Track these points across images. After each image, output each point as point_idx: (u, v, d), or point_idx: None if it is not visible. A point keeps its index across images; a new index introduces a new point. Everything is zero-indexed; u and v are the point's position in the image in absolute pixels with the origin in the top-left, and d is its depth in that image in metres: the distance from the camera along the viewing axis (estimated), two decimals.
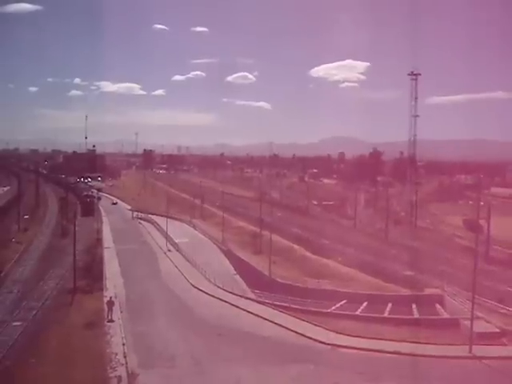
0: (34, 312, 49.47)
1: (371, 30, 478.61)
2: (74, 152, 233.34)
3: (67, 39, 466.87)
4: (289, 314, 47.63)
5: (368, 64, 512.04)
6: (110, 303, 48.82)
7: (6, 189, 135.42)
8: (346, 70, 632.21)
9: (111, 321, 46.27)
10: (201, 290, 58.10)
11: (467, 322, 38.60)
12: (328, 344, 39.90)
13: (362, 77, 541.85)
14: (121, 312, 49.15)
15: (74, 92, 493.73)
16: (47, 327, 44.93)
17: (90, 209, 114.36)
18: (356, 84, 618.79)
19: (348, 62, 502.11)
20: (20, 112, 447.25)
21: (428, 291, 53.68)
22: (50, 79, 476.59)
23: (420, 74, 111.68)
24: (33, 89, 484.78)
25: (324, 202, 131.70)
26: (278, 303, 51.25)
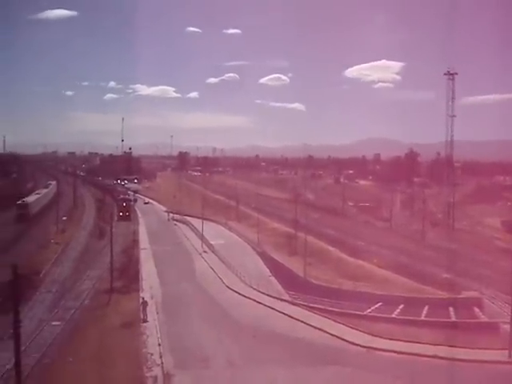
0: (72, 312, 50.33)
1: (406, 29, 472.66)
2: (111, 154, 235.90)
3: (102, 43, 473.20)
4: (324, 316, 47.44)
5: (403, 64, 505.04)
6: (144, 304, 49.35)
7: (45, 191, 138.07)
8: (380, 71, 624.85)
9: (145, 321, 46.74)
10: (236, 292, 58.21)
11: (507, 326, 37.86)
12: (363, 347, 39.62)
13: (397, 77, 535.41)
14: (157, 313, 49.59)
15: (109, 95, 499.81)
16: (85, 327, 45.69)
17: (126, 213, 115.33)
18: (391, 84, 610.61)
19: (382, 62, 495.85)
20: (57, 115, 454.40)
21: (466, 294, 52.81)
22: (85, 83, 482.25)
23: (457, 74, 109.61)
24: (69, 92, 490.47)
25: (360, 204, 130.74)
26: (312, 305, 51.10)
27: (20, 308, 27.69)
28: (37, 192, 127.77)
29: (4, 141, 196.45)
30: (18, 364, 26.90)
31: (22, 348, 30.69)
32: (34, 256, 72.05)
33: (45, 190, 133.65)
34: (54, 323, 46.63)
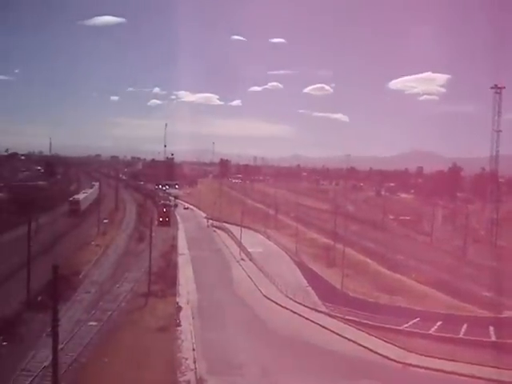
0: (110, 313, 50.97)
1: (451, 41, 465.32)
2: (153, 160, 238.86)
3: (148, 50, 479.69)
4: (359, 329, 47.09)
5: (448, 76, 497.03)
6: (178, 308, 49.89)
7: (90, 191, 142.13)
8: (425, 83, 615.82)
9: (178, 325, 47.14)
10: (272, 301, 58.22)
11: None
12: (398, 362, 39.16)
13: (442, 89, 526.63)
14: (192, 318, 49.93)
15: (153, 101, 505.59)
16: (121, 328, 46.26)
17: (166, 218, 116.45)
18: (436, 97, 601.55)
19: (427, 74, 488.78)
20: (102, 120, 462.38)
21: (507, 314, 51.63)
22: (130, 89, 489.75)
23: (504, 88, 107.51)
24: (114, 98, 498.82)
25: (400, 217, 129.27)
26: (348, 317, 50.75)
27: (59, 307, 28.21)
28: (84, 191, 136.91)
29: (50, 143, 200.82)
30: (55, 362, 27.41)
31: (60, 346, 31.27)
32: (74, 257, 73.35)
33: (90, 190, 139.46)
34: (91, 323, 47.36)
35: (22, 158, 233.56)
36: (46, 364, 35.69)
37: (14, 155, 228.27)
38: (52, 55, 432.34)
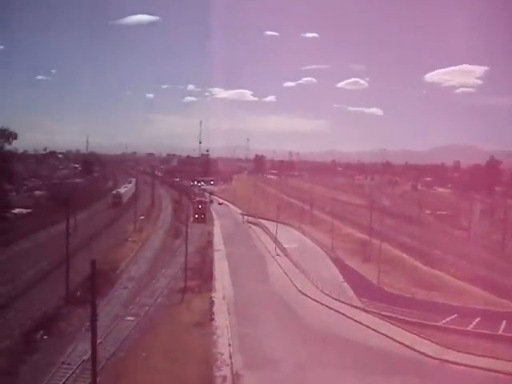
0: (147, 308, 51.68)
1: (488, 32, 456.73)
2: (188, 156, 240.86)
3: (182, 47, 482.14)
4: (396, 325, 46.77)
5: (486, 68, 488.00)
6: (211, 303, 50.41)
7: (129, 185, 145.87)
8: (461, 75, 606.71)
9: (212, 320, 47.55)
10: (308, 296, 58.22)
11: None
12: (435, 358, 38.81)
13: (479, 82, 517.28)
14: (228, 313, 50.26)
15: (188, 98, 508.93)
16: (158, 323, 46.85)
17: (201, 215, 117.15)
18: (472, 89, 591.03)
19: (464, 66, 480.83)
20: (138, 117, 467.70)
21: None
22: (165, 86, 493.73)
23: None
24: (149, 95, 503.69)
25: (437, 212, 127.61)
26: (385, 313, 50.45)
27: (97, 302, 28.73)
28: (124, 186, 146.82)
29: (87, 141, 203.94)
30: (94, 356, 27.96)
31: (98, 341, 31.85)
32: (111, 253, 74.43)
33: (129, 185, 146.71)
34: (128, 318, 48.08)
35: (60, 156, 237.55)
36: (85, 358, 36.43)
37: (52, 154, 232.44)
38: (88, 55, 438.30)
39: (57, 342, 41.28)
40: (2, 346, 40.14)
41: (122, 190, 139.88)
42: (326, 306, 53.96)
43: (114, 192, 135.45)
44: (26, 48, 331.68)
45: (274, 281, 66.21)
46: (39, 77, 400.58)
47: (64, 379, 34.35)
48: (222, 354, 38.99)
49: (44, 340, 41.79)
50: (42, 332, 42.75)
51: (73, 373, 35.33)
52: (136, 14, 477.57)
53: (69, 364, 36.84)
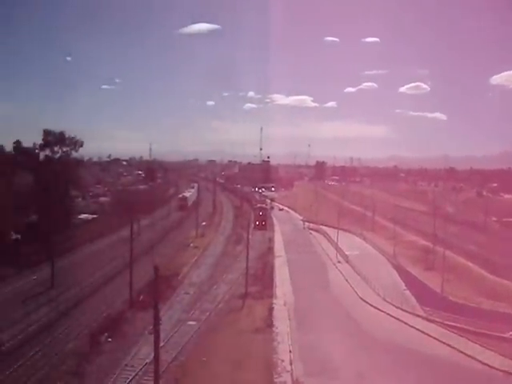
0: (208, 313, 52.25)
1: None
2: (249, 163, 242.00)
3: (241, 54, 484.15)
4: (460, 335, 45.66)
5: None
6: (271, 310, 50.58)
7: (192, 190, 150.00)
8: None
9: (271, 326, 47.64)
10: (369, 304, 57.57)
11: None
12: (501, 370, 37.67)
13: None
14: (289, 319, 50.24)
15: (248, 105, 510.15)
16: (219, 329, 47.29)
17: (262, 222, 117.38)
18: None
19: None
20: (199, 125, 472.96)
21: None
22: (225, 93, 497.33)
23: None
24: (210, 103, 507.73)
25: (504, 219, 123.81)
26: (449, 323, 49.31)
27: (159, 307, 29.29)
28: (188, 190, 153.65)
29: (150, 149, 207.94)
30: (156, 359, 28.52)
31: (161, 344, 32.39)
32: (174, 259, 75.67)
33: (192, 190, 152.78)
34: (190, 323, 48.74)
35: (124, 163, 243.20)
36: (147, 361, 37.18)
37: (117, 161, 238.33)
38: (150, 64, 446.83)
39: (121, 344, 42.32)
40: (70, 347, 41.50)
41: (187, 194, 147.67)
42: (388, 314, 53.20)
43: (180, 196, 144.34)
44: (91, 58, 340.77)
45: (335, 288, 65.74)
46: (104, 86, 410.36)
47: (127, 381, 35.17)
48: (283, 361, 39.04)
49: (109, 342, 42.88)
50: (106, 334, 43.91)
51: (136, 375, 36.12)
52: (196, 23, 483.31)
53: (132, 366, 37.71)
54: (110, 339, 43.43)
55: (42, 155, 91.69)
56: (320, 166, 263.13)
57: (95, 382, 35.27)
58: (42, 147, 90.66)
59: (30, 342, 42.04)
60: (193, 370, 37.20)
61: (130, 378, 35.69)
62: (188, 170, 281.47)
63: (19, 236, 75.98)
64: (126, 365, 37.99)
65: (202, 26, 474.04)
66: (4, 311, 48.49)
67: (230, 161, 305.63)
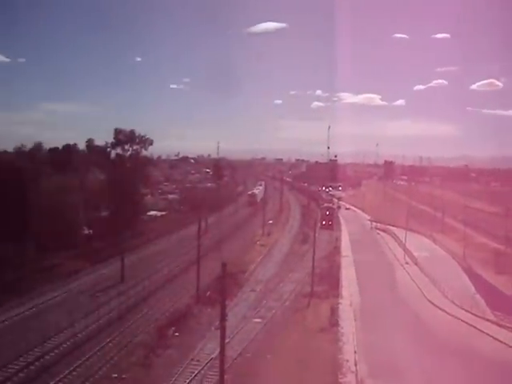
0: (273, 311, 52.43)
1: None
2: (317, 162, 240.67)
3: (309, 53, 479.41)
4: None
5: None
6: (337, 310, 50.42)
7: (260, 188, 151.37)
8: None
9: (333, 325, 47.36)
10: (437, 306, 56.40)
11: None
12: None
13: None
14: (354, 320, 49.83)
15: (315, 103, 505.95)
16: (284, 327, 47.41)
17: (329, 222, 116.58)
18: None
19: None
20: (266, 123, 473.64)
21: None
22: (292, 92, 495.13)
23: None
24: (278, 101, 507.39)
25: None
26: None
27: (226, 303, 29.63)
28: (257, 188, 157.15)
29: (218, 147, 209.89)
30: (222, 355, 28.86)
31: (227, 340, 32.78)
32: (240, 256, 76.30)
33: (260, 187, 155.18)
34: (256, 320, 49.05)
35: (192, 161, 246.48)
36: (213, 356, 37.67)
37: (185, 159, 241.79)
38: (218, 63, 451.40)
39: (187, 339, 43.04)
40: (138, 339, 42.56)
41: (255, 190, 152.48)
42: (457, 318, 51.98)
43: (250, 192, 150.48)
44: (160, 58, 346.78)
45: (402, 289, 64.70)
46: (172, 85, 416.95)
47: (193, 375, 35.75)
48: (347, 361, 38.75)
49: (175, 336, 43.70)
50: (173, 329, 44.76)
51: (201, 369, 36.67)
52: (263, 22, 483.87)
53: (198, 361, 38.30)
54: (177, 333, 44.24)
55: (113, 153, 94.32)
56: (388, 166, 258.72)
57: (162, 374, 35.97)
58: (114, 145, 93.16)
59: (101, 333, 43.33)
60: (258, 366, 37.43)
61: (196, 372, 36.24)
62: (255, 169, 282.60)
63: (91, 231, 78.46)
64: (192, 359, 38.59)
65: (269, 25, 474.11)
66: (77, 304, 50.15)
67: (297, 159, 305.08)
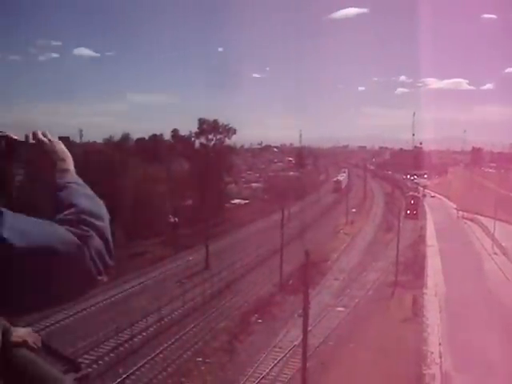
0: (356, 300, 52.28)
1: None
2: (401, 149, 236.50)
3: (391, 38, 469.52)
4: None
5: None
6: (422, 300, 49.65)
7: (344, 175, 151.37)
8: None
9: (425, 317, 46.67)
10: None
11: None
12: None
13: None
14: (439, 311, 48.92)
15: (400, 89, 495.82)
16: (367, 316, 47.13)
17: (414, 211, 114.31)
18: None
19: None
20: (350, 111, 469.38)
21: None
22: (375, 78, 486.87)
23: None
24: (361, 88, 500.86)
25: None
26: None
27: (309, 291, 29.87)
28: (341, 175, 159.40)
29: (300, 135, 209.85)
30: (304, 342, 29.17)
31: (309, 328, 33.05)
32: (324, 244, 76.25)
33: (344, 175, 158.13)
34: (338, 309, 49.07)
35: (275, 150, 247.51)
36: (295, 343, 38.05)
37: (268, 147, 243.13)
38: (299, 51, 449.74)
39: (270, 326, 43.66)
40: (222, 326, 43.57)
41: (340, 177, 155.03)
42: None
43: (335, 179, 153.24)
44: (241, 48, 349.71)
45: (490, 281, 62.66)
46: (255, 75, 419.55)
47: (275, 361, 36.27)
48: (432, 353, 38.18)
49: (258, 323, 44.39)
50: (256, 315, 45.47)
51: (284, 356, 37.14)
52: (344, 8, 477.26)
53: (280, 348, 38.80)
54: (260, 320, 44.92)
55: (197, 143, 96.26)
56: (476, 152, 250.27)
57: (245, 360, 36.71)
58: (198, 135, 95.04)
59: (186, 318, 44.65)
60: (340, 355, 37.53)
61: (278, 358, 36.74)
62: (338, 157, 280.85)
63: (177, 219, 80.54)
64: (275, 346, 39.14)
65: (350, 11, 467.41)
66: (164, 289, 51.80)
67: (380, 147, 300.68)
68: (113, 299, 48.52)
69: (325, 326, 44.06)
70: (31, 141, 2.25)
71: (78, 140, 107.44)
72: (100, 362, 35.66)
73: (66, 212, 1.97)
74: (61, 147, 2.35)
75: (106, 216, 2.12)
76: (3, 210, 1.69)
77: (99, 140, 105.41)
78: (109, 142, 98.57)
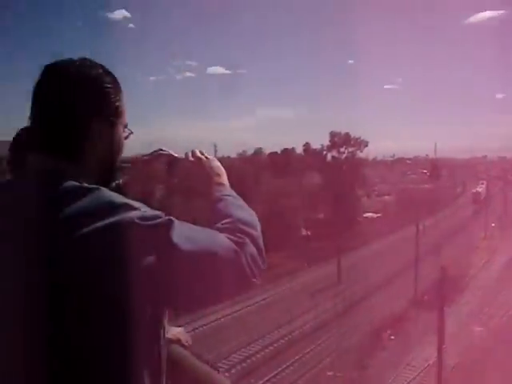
0: (495, 319, 49.74)
1: None
2: None
3: None
4: None
5: None
6: None
7: (482, 188, 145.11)
8: None
9: None
10: None
11: None
12: None
13: None
14: None
15: None
16: (507, 337, 44.67)
17: None
18: None
19: None
20: (487, 119, 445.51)
21: None
22: None
23: None
24: (499, 95, 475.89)
25: None
26: None
27: (444, 308, 29.00)
28: (479, 186, 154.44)
29: (435, 146, 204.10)
30: (440, 361, 28.30)
31: (443, 346, 32.01)
32: (460, 259, 73.40)
33: (483, 186, 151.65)
34: (476, 329, 46.95)
35: (408, 162, 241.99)
36: (430, 362, 36.92)
37: (401, 159, 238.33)
38: (436, 59, 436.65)
39: (403, 342, 42.63)
40: (353, 340, 43.24)
41: (479, 188, 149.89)
42: None
43: (474, 191, 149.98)
44: (373, 60, 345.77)
45: None
46: (386, 86, 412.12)
47: (408, 380, 35.44)
48: None
49: (391, 340, 43.54)
50: (389, 332, 44.63)
51: (417, 375, 36.18)
52: (480, 11, 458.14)
53: (413, 366, 37.81)
54: (392, 337, 44.06)
55: (329, 156, 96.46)
56: None
57: (376, 376, 36.17)
58: (329, 148, 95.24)
59: (317, 331, 44.80)
60: (477, 377, 35.84)
61: (411, 377, 35.85)
62: (475, 168, 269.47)
63: (309, 232, 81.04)
64: (408, 364, 38.21)
65: (487, 14, 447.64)
66: (295, 301, 52.26)
67: None
68: (246, 309, 49.67)
69: (461, 345, 42.33)
70: (190, 158, 2.58)
71: (213, 155, 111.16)
72: (233, 370, 36.64)
73: (223, 221, 2.22)
74: (216, 164, 2.64)
75: (259, 226, 2.42)
76: (172, 218, 1.94)
77: (233, 154, 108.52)
78: (242, 156, 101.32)
